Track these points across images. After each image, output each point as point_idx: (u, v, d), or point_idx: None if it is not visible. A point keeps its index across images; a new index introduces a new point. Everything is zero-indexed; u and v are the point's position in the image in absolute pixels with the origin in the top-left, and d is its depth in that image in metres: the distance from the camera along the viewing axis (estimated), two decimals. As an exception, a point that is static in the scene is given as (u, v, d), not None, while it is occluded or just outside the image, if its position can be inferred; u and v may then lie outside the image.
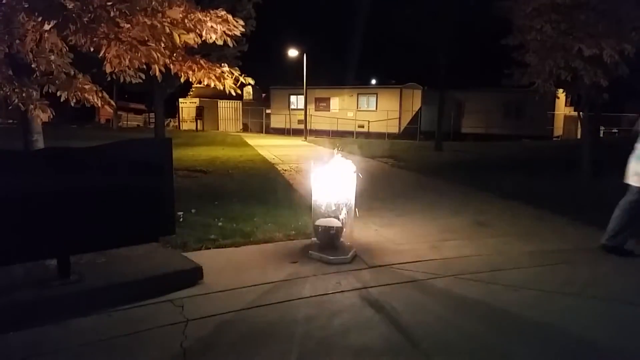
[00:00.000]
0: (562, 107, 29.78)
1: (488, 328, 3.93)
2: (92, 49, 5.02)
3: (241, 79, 5.88)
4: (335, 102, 34.58)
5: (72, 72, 5.64)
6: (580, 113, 12.91)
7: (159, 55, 5.06)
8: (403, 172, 13.80)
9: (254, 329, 3.82)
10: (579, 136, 26.27)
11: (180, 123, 39.72)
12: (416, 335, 3.78)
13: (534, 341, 3.72)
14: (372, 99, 33.36)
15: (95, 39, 4.82)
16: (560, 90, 16.49)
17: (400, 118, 32.16)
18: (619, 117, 29.91)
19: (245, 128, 38.95)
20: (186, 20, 5.20)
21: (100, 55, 5.00)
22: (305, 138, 28.23)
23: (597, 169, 11.73)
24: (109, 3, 4.68)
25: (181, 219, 6.62)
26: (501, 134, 28.05)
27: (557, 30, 9.91)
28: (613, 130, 30.22)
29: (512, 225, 7.30)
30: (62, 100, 5.57)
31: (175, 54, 5.49)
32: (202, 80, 5.75)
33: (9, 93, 5.12)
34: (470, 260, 5.59)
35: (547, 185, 10.86)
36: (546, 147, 22.33)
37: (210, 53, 11.28)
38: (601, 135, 24.97)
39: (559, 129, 30.04)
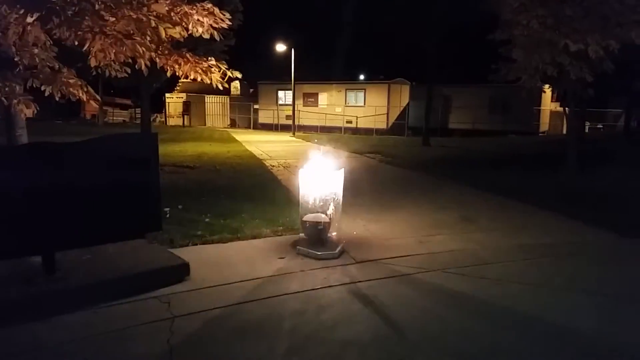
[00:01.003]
0: (548, 103, 30.00)
1: (474, 320, 3.96)
2: (76, 43, 4.96)
3: (228, 73, 5.85)
4: (323, 98, 34.52)
5: (57, 66, 5.57)
6: (566, 109, 13.04)
7: (144, 49, 5.01)
8: (391, 167, 13.83)
9: (241, 325, 3.81)
10: (564, 132, 26.55)
11: (167, 118, 39.39)
12: (403, 327, 3.80)
13: (519, 333, 3.76)
14: (360, 94, 33.36)
15: (79, 33, 4.76)
16: (547, 86, 16.62)
17: (388, 113, 32.20)
18: (604, 113, 30.25)
19: (233, 124, 38.75)
20: (172, 14, 5.16)
21: (85, 48, 4.94)
22: (294, 134, 28.18)
23: (582, 164, 11.87)
24: (94, -4, 4.63)
25: (168, 215, 6.57)
26: (488, 129, 28.21)
27: (544, 25, 9.98)
28: (598, 126, 30.54)
29: (498, 220, 7.36)
30: (46, 94, 5.50)
31: (161, 48, 5.45)
32: (188, 74, 5.71)
33: (-9, 87, 5.05)
34: (457, 255, 5.62)
35: (533, 180, 10.96)
36: (532, 143, 22.52)
37: (197, 47, 11.20)
38: (586, 130, 25.25)
39: (545, 124, 30.26)
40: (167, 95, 38.62)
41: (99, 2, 4.69)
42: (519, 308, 4.19)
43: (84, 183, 4.24)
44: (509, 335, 3.73)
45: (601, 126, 30.75)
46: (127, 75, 6.01)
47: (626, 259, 5.71)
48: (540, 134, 28.82)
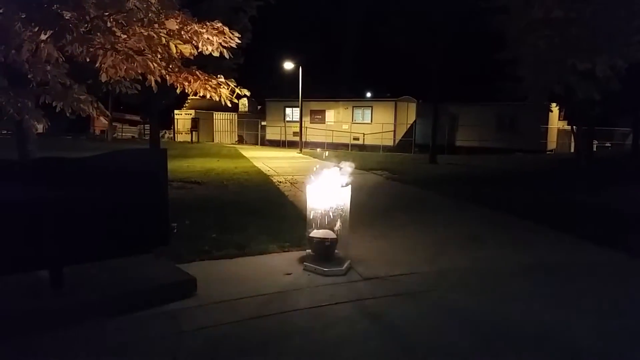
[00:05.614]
0: (555, 121, 29.99)
1: (484, 339, 3.91)
2: (88, 59, 5.03)
3: (237, 90, 5.91)
4: (330, 115, 34.70)
5: (68, 83, 5.65)
6: (574, 127, 13.02)
7: (155, 65, 5.08)
8: (398, 184, 13.81)
9: (248, 342, 3.79)
10: (572, 150, 26.45)
11: (176, 135, 39.72)
12: (412, 346, 3.76)
13: (528, 352, 3.71)
14: (367, 111, 33.51)
15: (91, 49, 4.83)
16: (554, 104, 16.67)
17: (395, 131, 32.29)
18: (612, 131, 30.14)
19: (241, 140, 38.99)
20: (182, 32, 5.24)
21: (97, 65, 5.01)
22: (301, 150, 28.28)
23: (591, 182, 11.81)
24: (106, 14, 4.71)
25: (175, 230, 6.58)
26: (495, 147, 28.20)
27: (551, 45, 10.03)
28: (606, 144, 30.43)
29: (506, 238, 7.31)
30: (57, 110, 5.57)
31: (171, 65, 5.52)
32: (198, 91, 5.77)
33: (4, 103, 5.12)
34: (465, 272, 5.58)
35: (540, 198, 10.90)
36: (540, 161, 22.45)
37: (206, 65, 11.29)
38: (595, 149, 25.17)
39: (552, 142, 30.20)
40: (176, 111, 38.98)
41: (111, 20, 4.77)
42: (529, 327, 4.13)
43: (92, 198, 4.27)
44: (519, 356, 3.68)
45: (609, 145, 30.63)
46: (137, 92, 6.09)
47: (637, 280, 5.64)
48: (547, 152, 28.74)
